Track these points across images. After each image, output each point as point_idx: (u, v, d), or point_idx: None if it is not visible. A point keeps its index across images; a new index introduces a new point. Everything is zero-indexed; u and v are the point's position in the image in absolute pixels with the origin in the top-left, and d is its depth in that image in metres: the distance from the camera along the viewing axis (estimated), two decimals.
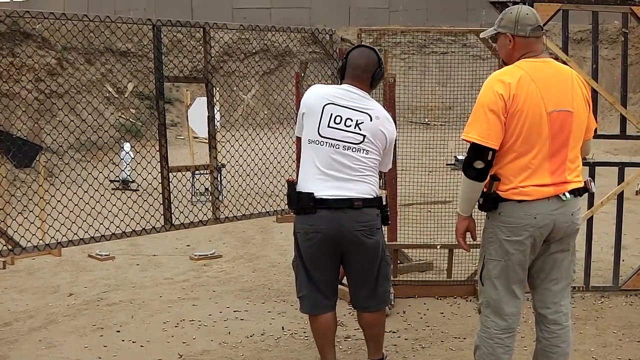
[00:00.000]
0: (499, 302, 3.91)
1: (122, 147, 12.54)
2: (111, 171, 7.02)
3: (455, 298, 6.45)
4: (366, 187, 4.38)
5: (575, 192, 3.85)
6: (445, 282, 6.60)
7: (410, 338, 5.53)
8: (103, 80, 16.24)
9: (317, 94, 4.47)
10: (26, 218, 5.04)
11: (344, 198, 4.31)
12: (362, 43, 4.77)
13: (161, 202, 5.33)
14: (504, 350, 3.92)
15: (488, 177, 3.84)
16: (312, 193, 4.32)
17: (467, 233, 4.10)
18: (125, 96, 16.24)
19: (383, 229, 4.61)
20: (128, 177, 12.41)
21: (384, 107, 7.03)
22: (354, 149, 4.32)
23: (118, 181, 12.33)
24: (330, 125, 4.34)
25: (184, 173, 5.52)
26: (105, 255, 8.35)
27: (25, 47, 14.66)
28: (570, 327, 4.05)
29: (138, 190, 10.50)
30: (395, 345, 5.39)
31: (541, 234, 3.80)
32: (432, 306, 6.27)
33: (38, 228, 6.16)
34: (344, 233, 4.33)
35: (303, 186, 4.39)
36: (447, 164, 8.43)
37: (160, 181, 5.21)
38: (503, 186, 3.81)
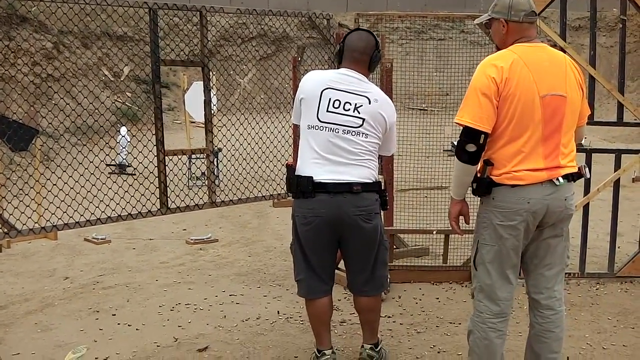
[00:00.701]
0: (492, 287, 3.91)
1: (119, 131, 12.52)
2: (107, 155, 7.00)
3: (450, 283, 6.47)
4: (365, 172, 4.37)
5: (569, 177, 3.85)
6: (441, 268, 6.61)
7: (406, 323, 5.55)
8: (99, 64, 16.18)
9: (315, 80, 4.46)
10: (22, 201, 5.04)
11: (343, 182, 4.30)
12: (360, 27, 4.77)
13: (157, 186, 5.32)
14: (497, 335, 3.94)
15: (481, 162, 3.85)
16: (311, 177, 4.32)
17: (461, 217, 4.11)
18: (122, 80, 16.19)
19: (381, 213, 4.61)
20: (124, 160, 12.39)
21: None
22: (353, 133, 4.32)
23: (114, 165, 12.32)
24: (329, 109, 4.33)
25: (180, 157, 5.51)
26: (101, 239, 8.36)
27: (21, 30, 14.60)
28: (563, 312, 4.06)
29: (134, 174, 10.50)
30: (390, 330, 5.40)
31: (534, 218, 3.80)
32: (428, 291, 6.29)
33: (34, 211, 6.15)
34: (342, 217, 4.33)
35: (302, 170, 4.39)
36: (443, 150, 8.43)
37: (156, 165, 5.20)
38: (496, 171, 3.82)
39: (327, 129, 4.32)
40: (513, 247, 3.86)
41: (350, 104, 4.34)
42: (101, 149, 6.50)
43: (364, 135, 4.34)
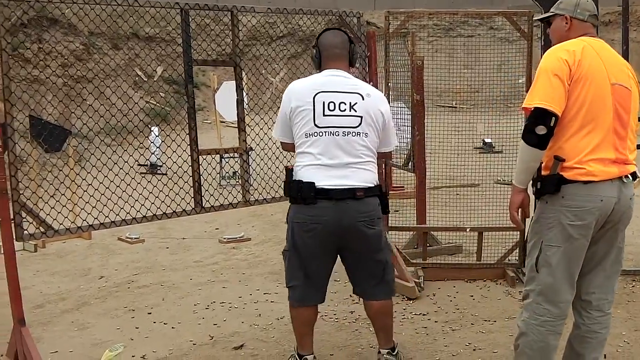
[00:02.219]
0: (556, 290, 3.75)
1: (152, 131, 12.58)
2: (142, 154, 7.07)
3: (484, 281, 6.44)
4: (367, 175, 4.29)
5: (634, 175, 3.73)
6: (475, 265, 6.57)
7: (440, 321, 5.54)
8: (131, 65, 16.27)
9: (302, 88, 4.37)
10: (58, 201, 5.09)
11: (345, 188, 4.21)
12: (331, 27, 4.70)
13: (191, 185, 5.34)
14: (554, 337, 3.81)
15: (551, 158, 3.68)
16: (313, 183, 4.22)
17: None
18: (155, 80, 16.28)
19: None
20: (158, 160, 12.46)
21: (414, 91, 7.04)
22: (353, 134, 4.24)
23: (146, 165, 12.39)
24: (325, 113, 4.24)
25: (213, 156, 5.53)
26: (135, 238, 8.43)
27: (55, 32, 14.73)
28: (611, 314, 3.96)
29: (166, 174, 10.56)
30: (425, 327, 5.39)
31: (602, 217, 3.67)
32: (462, 289, 6.27)
33: (70, 211, 6.23)
34: (345, 225, 4.23)
35: (302, 175, 4.27)
36: (474, 147, 8.42)
37: (190, 164, 5.23)
38: (567, 163, 3.64)
39: (326, 133, 4.23)
40: (582, 248, 3.71)
41: (345, 104, 4.26)
42: (135, 149, 6.56)
43: (364, 135, 4.26)
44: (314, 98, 4.26)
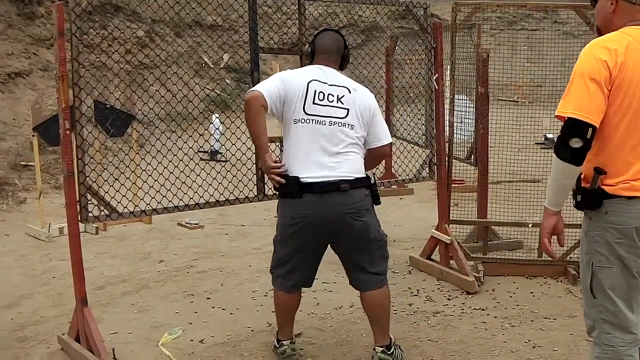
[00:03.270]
0: (621, 314, 3.30)
1: (218, 118, 12.63)
2: (206, 140, 7.13)
3: (545, 278, 6.35)
4: (352, 167, 4.32)
5: None
6: (536, 262, 6.48)
7: (500, 316, 5.48)
8: (197, 52, 16.37)
9: (299, 74, 4.46)
10: (123, 185, 5.15)
11: (330, 181, 4.23)
12: (328, 27, 4.79)
13: (254, 172, 5.38)
14: None
15: (591, 170, 3.24)
16: (297, 177, 4.25)
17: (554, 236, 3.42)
18: (222, 67, 16.39)
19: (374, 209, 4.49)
20: (222, 147, 12.50)
21: (478, 84, 6.98)
22: (339, 124, 4.31)
23: (206, 152, 12.46)
24: (315, 102, 4.32)
25: (277, 144, 5.54)
26: (194, 224, 8.51)
27: (119, 19, 14.91)
28: None
29: (229, 160, 10.61)
30: (484, 322, 5.35)
31: None
32: (522, 285, 6.20)
33: (135, 194, 6.30)
34: (330, 217, 4.27)
35: (288, 169, 4.32)
36: (535, 143, 8.30)
37: (254, 152, 5.25)
38: (610, 179, 3.21)
39: (313, 121, 4.29)
40: (636, 266, 3.27)
41: (333, 96, 4.35)
42: (200, 135, 6.61)
43: (350, 126, 4.33)
44: (308, 84, 4.35)
